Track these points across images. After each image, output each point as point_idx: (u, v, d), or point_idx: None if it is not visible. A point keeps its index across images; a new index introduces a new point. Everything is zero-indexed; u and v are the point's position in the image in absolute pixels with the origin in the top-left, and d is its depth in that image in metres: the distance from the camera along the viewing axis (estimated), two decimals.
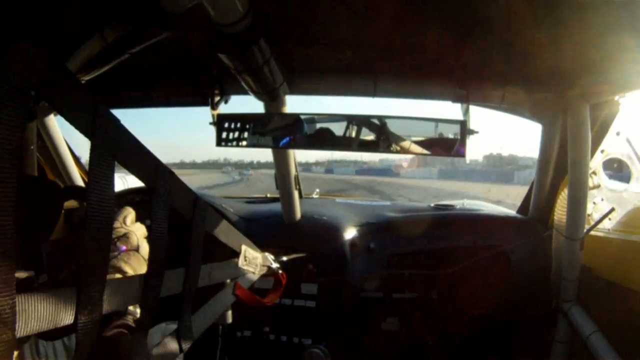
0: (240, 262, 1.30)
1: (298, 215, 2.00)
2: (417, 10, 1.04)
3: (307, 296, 1.88)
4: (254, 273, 1.38)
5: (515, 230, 1.96)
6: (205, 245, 1.01)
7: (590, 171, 1.58)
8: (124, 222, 1.01)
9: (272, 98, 1.46)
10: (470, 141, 1.42)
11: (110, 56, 1.06)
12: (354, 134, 1.49)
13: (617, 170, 1.66)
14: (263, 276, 1.45)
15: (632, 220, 1.56)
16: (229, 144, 1.53)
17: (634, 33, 1.05)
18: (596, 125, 1.63)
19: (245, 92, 1.47)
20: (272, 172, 1.96)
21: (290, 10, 1.06)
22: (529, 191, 2.02)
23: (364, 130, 1.49)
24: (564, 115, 1.60)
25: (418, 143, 1.46)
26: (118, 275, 0.94)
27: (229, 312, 1.70)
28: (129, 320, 0.98)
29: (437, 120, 1.44)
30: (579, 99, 1.47)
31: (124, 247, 0.97)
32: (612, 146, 1.63)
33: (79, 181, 2.03)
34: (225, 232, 1.20)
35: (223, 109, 1.60)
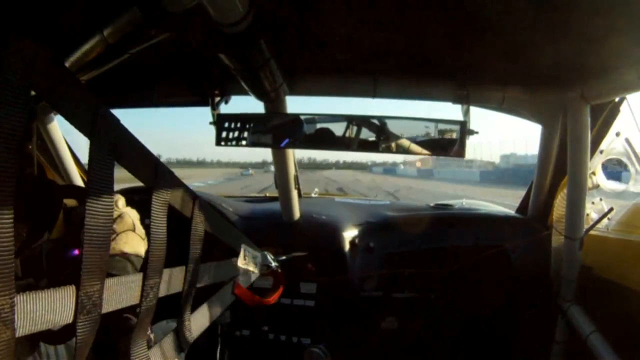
0: (240, 261, 1.30)
1: (297, 214, 2.00)
2: (417, 11, 1.04)
3: (306, 295, 1.88)
4: (253, 272, 1.38)
5: (515, 230, 1.96)
6: (204, 244, 1.01)
7: (589, 171, 1.59)
8: (117, 205, 1.02)
9: (272, 98, 1.46)
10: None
11: (111, 56, 1.05)
12: (353, 134, 1.49)
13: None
14: (262, 275, 1.45)
15: (631, 219, 1.57)
16: (229, 143, 1.53)
17: (634, 34, 1.05)
18: (596, 126, 1.63)
19: (245, 93, 1.47)
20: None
21: (290, 11, 1.06)
22: (528, 191, 2.02)
23: (364, 130, 1.49)
24: (564, 116, 1.61)
25: (418, 143, 1.46)
26: (119, 258, 0.95)
27: (228, 311, 1.70)
28: (129, 319, 0.98)
29: (437, 121, 1.44)
30: (579, 100, 1.47)
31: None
32: (611, 147, 1.63)
33: (79, 181, 2.03)
34: (224, 231, 1.20)
35: (223, 109, 1.60)
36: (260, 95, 1.42)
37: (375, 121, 1.47)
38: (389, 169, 75.41)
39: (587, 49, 1.19)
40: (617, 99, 1.56)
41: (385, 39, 1.23)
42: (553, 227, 1.75)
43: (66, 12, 0.98)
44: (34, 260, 0.88)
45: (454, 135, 1.42)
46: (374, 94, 1.54)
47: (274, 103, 1.54)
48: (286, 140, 1.53)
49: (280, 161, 1.85)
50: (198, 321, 1.08)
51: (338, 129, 1.49)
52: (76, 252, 0.65)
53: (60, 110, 0.62)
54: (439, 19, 1.08)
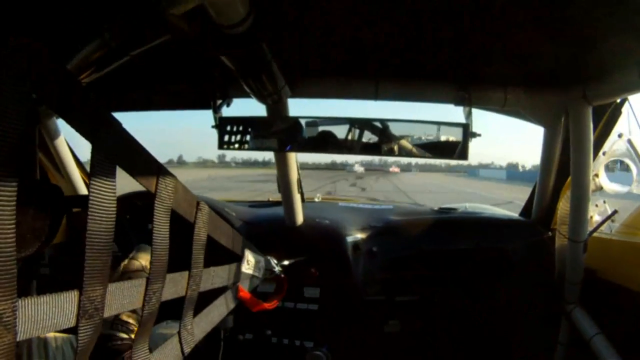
0: (243, 266, 1.30)
1: (300, 219, 2.00)
2: (418, 13, 1.04)
3: (309, 299, 1.88)
4: (256, 277, 1.38)
5: (518, 233, 1.95)
6: (207, 249, 1.01)
7: (592, 173, 1.58)
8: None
9: (273, 101, 1.46)
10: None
11: (111, 59, 1.05)
12: (356, 137, 1.49)
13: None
14: (265, 280, 1.45)
15: (635, 222, 1.56)
16: (231, 146, 1.53)
17: (635, 35, 1.05)
18: (598, 128, 1.63)
19: (247, 95, 1.47)
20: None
21: (292, 13, 1.06)
22: (532, 193, 2.01)
23: (366, 133, 1.49)
24: (566, 117, 1.60)
25: (420, 146, 1.46)
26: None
27: (231, 316, 1.70)
28: (131, 323, 0.98)
29: (439, 123, 1.44)
30: (581, 101, 1.47)
31: None
32: (614, 148, 1.62)
33: (81, 184, 2.03)
34: (227, 236, 1.20)
35: (225, 112, 1.60)
36: (262, 98, 1.42)
37: (378, 124, 1.47)
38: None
39: (588, 49, 1.18)
40: (619, 100, 1.56)
41: (386, 41, 1.23)
42: (557, 230, 1.74)
43: (67, 14, 0.98)
44: (37, 265, 0.88)
45: (457, 138, 1.42)
46: (375, 96, 1.54)
47: (275, 105, 1.54)
48: (288, 144, 1.53)
49: (282, 165, 1.84)
50: (201, 325, 1.08)
51: (340, 131, 1.49)
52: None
53: (62, 113, 0.62)
54: (440, 20, 1.07)
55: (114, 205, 0.66)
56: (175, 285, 0.92)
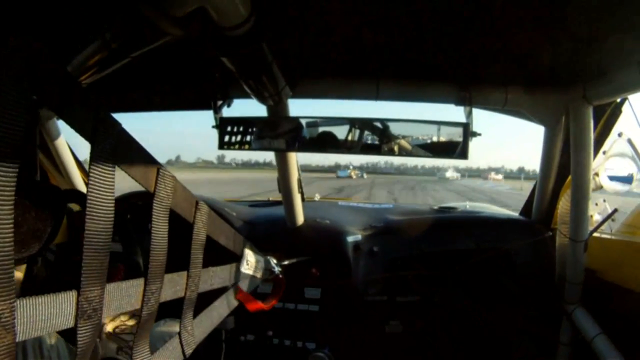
0: (243, 266, 1.30)
1: (301, 218, 2.00)
2: (418, 12, 1.04)
3: (310, 300, 1.88)
4: (256, 277, 1.38)
5: (519, 233, 1.95)
6: (207, 249, 1.01)
7: (592, 172, 1.58)
8: None
9: (274, 101, 1.46)
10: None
11: (112, 60, 1.05)
12: (356, 137, 1.49)
13: None
14: (266, 280, 1.45)
15: (635, 221, 1.56)
16: (232, 147, 1.53)
17: (635, 34, 1.05)
18: (598, 127, 1.63)
19: (247, 96, 1.47)
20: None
21: (292, 13, 1.06)
22: (532, 193, 2.01)
23: (367, 133, 1.49)
24: (566, 117, 1.60)
25: (421, 145, 1.46)
26: None
27: (232, 317, 1.70)
28: (130, 324, 0.98)
29: (439, 123, 1.44)
30: (581, 101, 1.47)
31: None
32: (614, 147, 1.62)
33: (81, 184, 2.03)
34: (227, 236, 1.20)
35: (226, 112, 1.60)
36: (262, 98, 1.42)
37: (378, 124, 1.47)
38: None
39: (588, 49, 1.19)
40: (619, 100, 1.56)
41: (387, 41, 1.23)
42: (557, 229, 1.74)
43: (68, 15, 0.98)
44: (37, 265, 0.88)
45: (457, 137, 1.42)
46: (376, 96, 1.54)
47: (276, 106, 1.54)
48: (289, 144, 1.53)
49: (283, 164, 1.84)
50: (201, 326, 1.08)
51: (341, 131, 1.50)
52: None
53: (62, 114, 0.62)
54: (440, 20, 1.07)
55: (112, 205, 0.66)
56: (174, 286, 0.92)
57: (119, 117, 0.70)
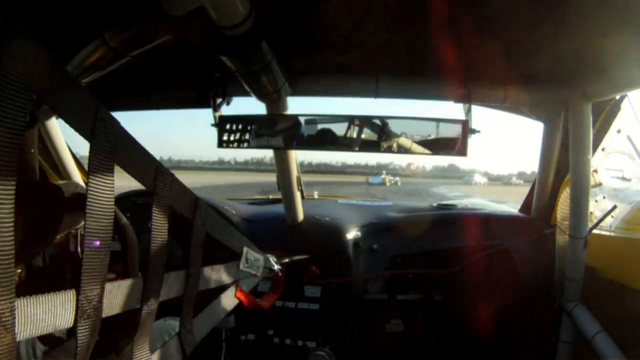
0: (242, 264, 1.29)
1: (300, 216, 2.00)
2: (417, 10, 1.04)
3: (310, 299, 1.88)
4: (256, 275, 1.38)
5: (518, 230, 1.95)
6: (206, 247, 1.01)
7: (592, 169, 1.58)
8: None
9: (273, 99, 1.46)
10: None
11: (111, 59, 1.05)
12: (355, 135, 1.49)
13: None
14: (265, 279, 1.45)
15: (634, 218, 1.56)
16: (231, 145, 1.53)
17: (634, 31, 1.05)
18: (597, 124, 1.63)
19: (247, 94, 1.47)
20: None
21: (291, 12, 1.06)
22: (531, 190, 2.01)
23: (366, 130, 1.49)
24: (565, 113, 1.60)
25: (420, 143, 1.46)
26: None
27: (232, 316, 1.70)
28: (130, 323, 0.98)
29: (438, 120, 1.44)
30: (580, 98, 1.47)
31: None
32: (613, 144, 1.63)
33: (81, 184, 2.03)
34: (226, 234, 1.20)
35: (225, 110, 1.60)
36: (261, 96, 1.42)
37: (377, 121, 1.47)
38: None
39: (588, 46, 1.19)
40: (618, 97, 1.56)
41: (386, 39, 1.23)
42: (557, 226, 1.74)
43: (67, 15, 0.98)
44: (38, 264, 0.88)
45: (456, 135, 1.42)
46: (375, 94, 1.54)
47: (275, 104, 1.54)
48: (289, 142, 1.53)
49: (282, 162, 1.84)
50: (201, 325, 1.08)
51: (340, 129, 1.49)
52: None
53: (61, 113, 0.62)
54: (439, 18, 1.07)
55: (112, 204, 0.66)
56: (174, 285, 0.92)
57: (118, 116, 0.70)
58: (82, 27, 0.99)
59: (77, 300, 0.62)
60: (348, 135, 1.50)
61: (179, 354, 0.97)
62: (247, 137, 1.54)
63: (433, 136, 1.46)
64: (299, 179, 1.97)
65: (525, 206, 2.09)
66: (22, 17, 0.50)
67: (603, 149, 1.65)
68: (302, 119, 1.51)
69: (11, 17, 0.49)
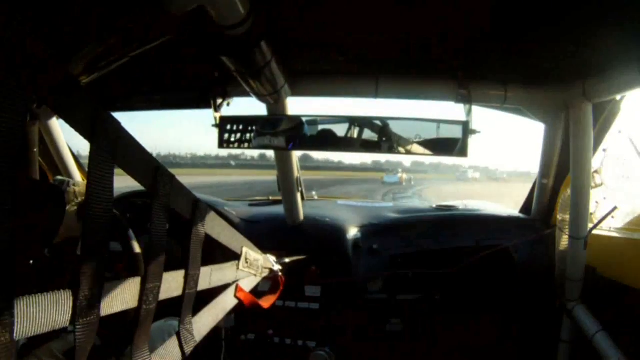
0: (241, 264, 1.29)
1: (301, 217, 2.00)
2: (417, 11, 1.04)
3: (311, 298, 1.88)
4: (255, 276, 1.38)
5: (518, 230, 1.95)
6: (206, 247, 1.00)
7: (592, 170, 1.58)
8: None
9: (274, 100, 1.46)
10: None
11: (112, 59, 1.05)
12: (356, 135, 1.49)
13: None
14: (265, 279, 1.45)
15: (635, 218, 1.56)
16: (231, 145, 1.53)
17: (635, 32, 1.05)
18: (598, 124, 1.63)
19: (247, 95, 1.47)
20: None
21: (291, 13, 1.06)
22: (532, 190, 2.01)
23: (367, 131, 1.49)
24: (566, 114, 1.60)
25: (420, 144, 1.46)
26: None
27: (232, 315, 1.70)
28: (129, 322, 0.98)
29: (439, 121, 1.44)
30: (581, 98, 1.47)
31: None
32: (614, 145, 1.62)
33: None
34: (225, 235, 1.19)
35: (225, 111, 1.60)
36: (262, 97, 1.42)
37: (378, 122, 1.47)
38: None
39: (588, 47, 1.18)
40: (618, 97, 1.56)
41: (386, 40, 1.23)
42: (557, 227, 1.74)
43: (68, 15, 0.98)
44: (37, 264, 0.88)
45: (457, 136, 1.42)
46: (376, 95, 1.54)
47: (276, 104, 1.54)
48: (289, 143, 1.53)
49: (282, 163, 1.84)
50: (200, 325, 1.07)
51: (340, 130, 1.49)
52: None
53: (61, 113, 0.62)
54: (439, 18, 1.07)
55: (111, 204, 0.66)
56: (172, 284, 0.92)
57: (119, 116, 0.70)
58: (82, 27, 0.99)
59: (75, 300, 0.62)
60: (349, 136, 1.50)
61: (179, 354, 0.97)
62: (247, 137, 1.54)
63: (434, 137, 1.46)
64: (299, 179, 1.97)
65: (526, 206, 2.08)
66: (22, 17, 0.50)
67: (604, 150, 1.64)
68: (302, 120, 1.51)
69: (11, 17, 0.49)
